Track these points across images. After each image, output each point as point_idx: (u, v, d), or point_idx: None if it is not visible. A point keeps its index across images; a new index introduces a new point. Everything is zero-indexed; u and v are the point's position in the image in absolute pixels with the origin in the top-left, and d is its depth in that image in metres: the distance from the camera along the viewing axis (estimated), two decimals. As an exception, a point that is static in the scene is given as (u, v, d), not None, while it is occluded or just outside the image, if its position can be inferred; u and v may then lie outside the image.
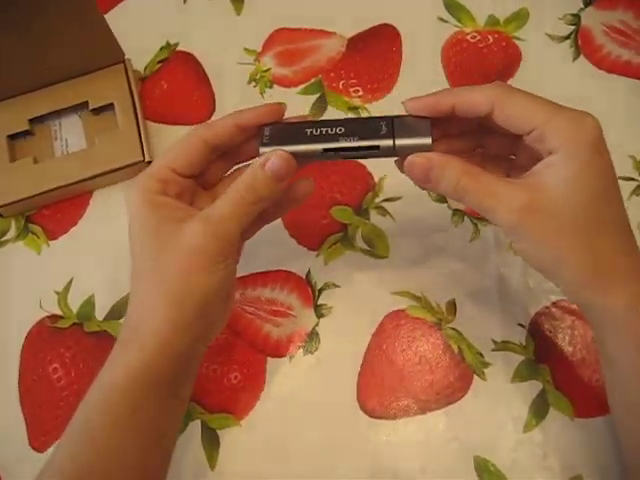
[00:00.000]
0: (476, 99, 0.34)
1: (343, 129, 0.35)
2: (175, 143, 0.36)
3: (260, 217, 0.37)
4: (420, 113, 0.35)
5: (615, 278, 0.32)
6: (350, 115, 0.51)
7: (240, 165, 0.39)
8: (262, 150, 0.35)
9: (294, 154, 0.35)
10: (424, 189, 0.37)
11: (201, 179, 0.38)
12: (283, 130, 0.36)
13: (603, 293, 0.32)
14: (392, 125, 0.35)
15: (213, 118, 0.54)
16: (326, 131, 0.35)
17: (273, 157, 0.34)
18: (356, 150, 0.35)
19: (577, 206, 0.32)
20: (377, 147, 0.35)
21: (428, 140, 0.35)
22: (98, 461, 0.32)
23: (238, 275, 0.47)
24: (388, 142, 0.35)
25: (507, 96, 0.33)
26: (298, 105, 0.51)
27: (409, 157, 0.34)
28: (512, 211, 0.32)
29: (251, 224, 0.36)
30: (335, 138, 0.35)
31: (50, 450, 0.44)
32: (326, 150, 0.35)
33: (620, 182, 0.46)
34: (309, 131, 0.35)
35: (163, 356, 0.33)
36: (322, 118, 0.36)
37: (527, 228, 0.32)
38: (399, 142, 0.35)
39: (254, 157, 0.37)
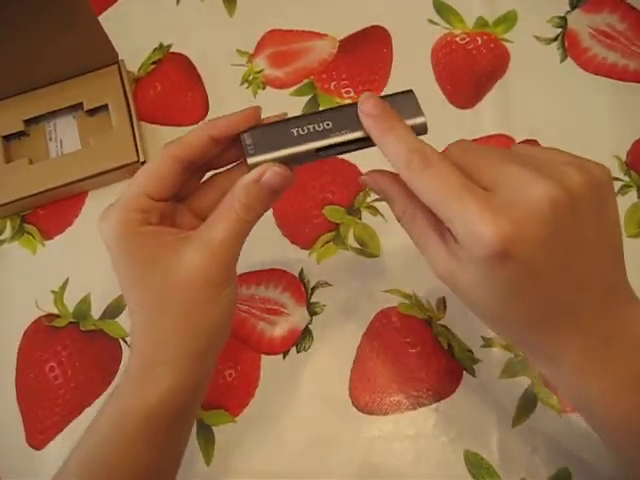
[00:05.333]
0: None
1: (331, 124, 0.32)
2: (146, 166, 0.33)
3: None
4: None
5: None
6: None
7: (217, 171, 0.36)
8: (250, 161, 0.32)
9: (286, 160, 0.32)
10: None
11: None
12: (267, 134, 0.32)
13: None
14: None
15: (207, 119, 0.54)
16: (313, 128, 0.32)
17: (268, 172, 0.31)
18: (349, 144, 0.32)
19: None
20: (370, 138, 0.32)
21: (422, 119, 0.32)
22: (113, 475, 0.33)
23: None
24: None
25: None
26: (290, 107, 0.51)
27: (362, 176, 0.35)
28: (439, 273, 0.31)
29: None
30: (325, 135, 0.32)
31: (47, 448, 0.45)
32: (318, 150, 0.32)
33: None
34: (295, 131, 0.32)
35: (180, 389, 0.32)
36: (302, 113, 0.34)
37: (454, 291, 0.31)
38: None
39: (230, 163, 0.35)
